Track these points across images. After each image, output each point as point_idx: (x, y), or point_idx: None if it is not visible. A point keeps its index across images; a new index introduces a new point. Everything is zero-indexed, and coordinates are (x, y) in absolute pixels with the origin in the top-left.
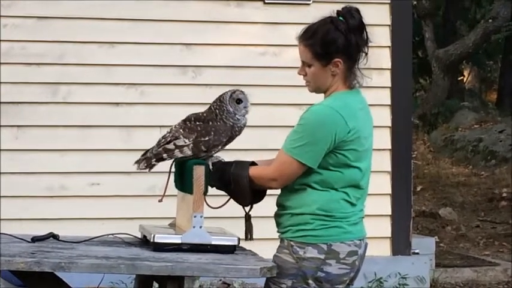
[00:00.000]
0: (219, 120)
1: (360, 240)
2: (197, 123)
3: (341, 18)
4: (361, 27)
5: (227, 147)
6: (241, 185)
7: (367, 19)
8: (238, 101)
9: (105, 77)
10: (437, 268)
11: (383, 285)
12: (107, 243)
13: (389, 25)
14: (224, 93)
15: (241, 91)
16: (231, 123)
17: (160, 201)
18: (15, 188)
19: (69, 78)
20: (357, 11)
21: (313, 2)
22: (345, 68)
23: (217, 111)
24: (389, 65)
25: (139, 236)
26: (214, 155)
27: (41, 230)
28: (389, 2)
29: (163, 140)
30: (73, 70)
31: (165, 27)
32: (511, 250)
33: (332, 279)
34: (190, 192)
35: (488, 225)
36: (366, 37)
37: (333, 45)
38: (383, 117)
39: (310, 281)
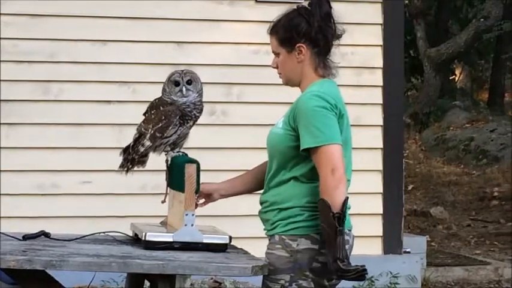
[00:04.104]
0: (165, 101)
1: (349, 230)
2: (152, 111)
3: (308, 7)
4: (327, 14)
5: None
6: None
7: (359, 18)
8: (176, 83)
9: (97, 75)
10: (429, 267)
11: (374, 284)
12: (98, 242)
13: (381, 24)
14: (170, 73)
15: (183, 73)
16: (172, 101)
17: (163, 202)
18: (7, 186)
19: (60, 76)
20: (328, 2)
21: (304, 0)
22: (310, 54)
23: (162, 91)
24: (381, 64)
25: (131, 234)
26: (176, 149)
27: (32, 228)
28: (381, 1)
29: (133, 140)
30: (65, 68)
31: (157, 26)
32: (502, 249)
33: (328, 270)
34: (182, 190)
35: (479, 224)
36: (333, 27)
37: (294, 30)
38: (375, 116)
39: (308, 273)
